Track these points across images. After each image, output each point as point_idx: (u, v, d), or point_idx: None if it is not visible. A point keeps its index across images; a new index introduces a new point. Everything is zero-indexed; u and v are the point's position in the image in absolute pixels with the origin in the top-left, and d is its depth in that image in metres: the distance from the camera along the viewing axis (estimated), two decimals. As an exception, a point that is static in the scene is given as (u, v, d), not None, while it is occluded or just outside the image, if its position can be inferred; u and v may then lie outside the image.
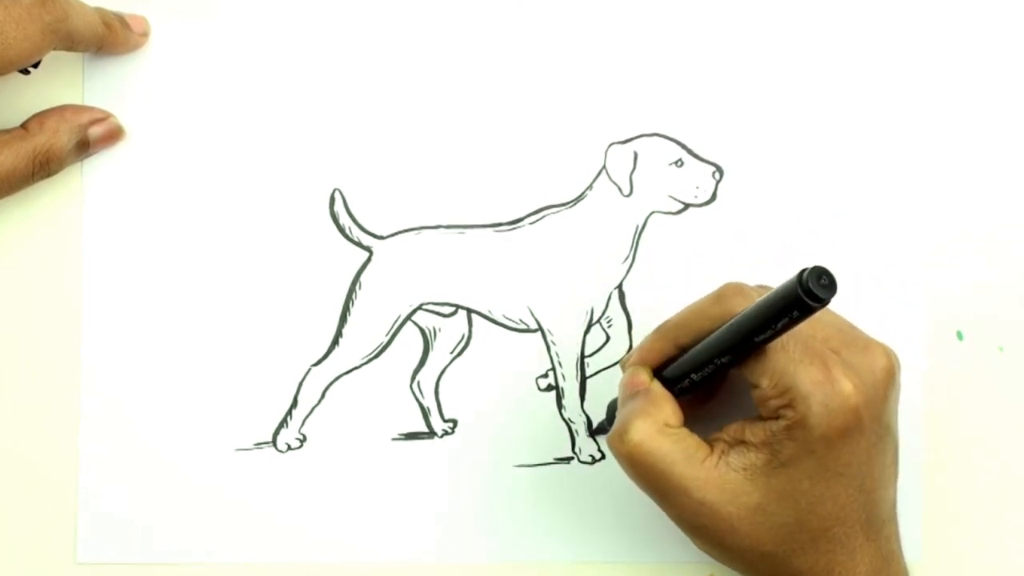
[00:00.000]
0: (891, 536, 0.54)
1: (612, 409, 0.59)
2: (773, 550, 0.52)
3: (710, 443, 0.53)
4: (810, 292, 0.47)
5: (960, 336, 0.61)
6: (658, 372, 0.55)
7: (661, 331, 0.55)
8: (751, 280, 0.55)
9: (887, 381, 0.53)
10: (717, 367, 0.53)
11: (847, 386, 0.51)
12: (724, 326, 0.52)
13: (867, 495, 0.52)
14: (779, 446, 0.51)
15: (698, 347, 0.53)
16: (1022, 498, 0.61)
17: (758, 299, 0.51)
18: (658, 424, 0.53)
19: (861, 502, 0.52)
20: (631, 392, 0.55)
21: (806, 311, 0.48)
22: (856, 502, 0.52)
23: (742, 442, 0.52)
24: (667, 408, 0.54)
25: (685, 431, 0.53)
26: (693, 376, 0.54)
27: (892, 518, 0.54)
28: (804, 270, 0.47)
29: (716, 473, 0.52)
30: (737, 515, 0.52)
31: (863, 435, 0.51)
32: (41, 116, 0.59)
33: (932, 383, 0.60)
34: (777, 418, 0.51)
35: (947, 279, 0.61)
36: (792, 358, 0.51)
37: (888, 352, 0.53)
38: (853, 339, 0.53)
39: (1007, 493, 0.61)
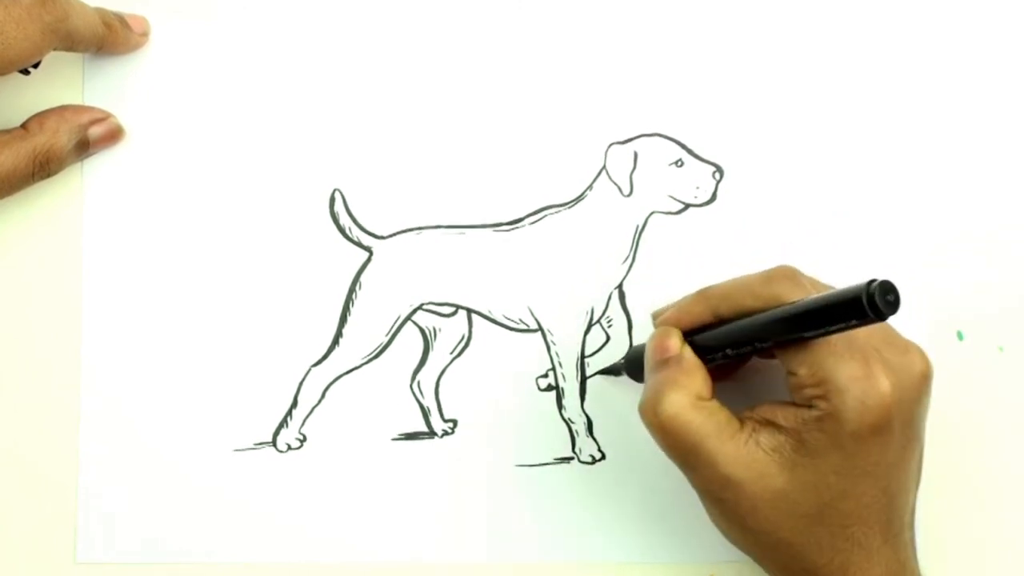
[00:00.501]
0: (907, 543, 0.54)
1: (633, 355, 0.59)
2: (790, 539, 0.52)
3: (740, 420, 0.53)
4: (875, 305, 0.46)
5: (960, 336, 0.61)
6: (688, 335, 0.55)
7: (703, 296, 0.55)
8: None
9: (922, 385, 0.52)
10: (756, 349, 0.52)
11: (885, 384, 0.50)
12: (773, 312, 0.52)
13: (890, 498, 0.52)
14: (808, 435, 0.51)
15: (740, 324, 0.53)
16: (1022, 498, 0.61)
17: (813, 295, 0.51)
18: (691, 397, 0.52)
19: (883, 504, 0.52)
20: (661, 356, 0.54)
21: (865, 322, 0.47)
22: (879, 503, 0.52)
23: (771, 423, 0.52)
24: (699, 379, 0.53)
25: (717, 404, 0.53)
26: (728, 351, 0.53)
27: (910, 525, 0.54)
28: (872, 282, 0.47)
29: (745, 450, 0.52)
30: (760, 496, 0.51)
31: (893, 436, 0.51)
32: (41, 116, 0.59)
33: (932, 383, 0.60)
34: (810, 407, 0.51)
35: (947, 279, 0.61)
36: (834, 350, 0.51)
37: (926, 357, 0.53)
38: (893, 339, 0.53)
39: (1007, 493, 0.61)
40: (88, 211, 0.61)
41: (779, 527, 0.52)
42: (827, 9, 0.62)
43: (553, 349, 0.61)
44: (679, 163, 0.61)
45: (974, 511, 0.61)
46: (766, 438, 0.52)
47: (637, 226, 0.61)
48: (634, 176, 0.61)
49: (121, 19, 0.60)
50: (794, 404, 0.52)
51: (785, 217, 0.61)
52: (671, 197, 0.61)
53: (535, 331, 0.61)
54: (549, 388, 0.61)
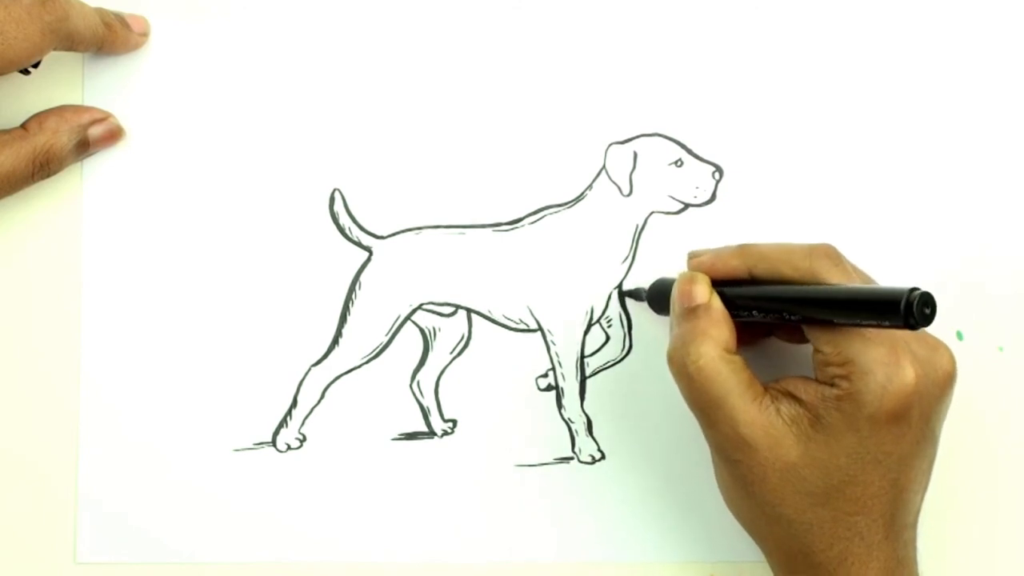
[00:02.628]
0: (909, 542, 0.54)
1: (658, 286, 0.59)
2: (792, 516, 0.52)
3: (763, 387, 0.53)
4: (911, 313, 0.47)
5: (960, 336, 0.61)
6: (718, 285, 0.55)
7: (744, 252, 0.55)
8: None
9: (946, 384, 0.53)
10: (784, 319, 0.53)
11: (910, 373, 0.50)
12: (808, 290, 0.52)
13: (898, 492, 0.52)
14: (825, 412, 0.51)
15: (774, 290, 0.53)
16: (1022, 498, 0.61)
17: (852, 282, 0.51)
18: (720, 349, 0.52)
19: (891, 497, 0.52)
20: (689, 304, 0.54)
21: (897, 326, 0.48)
22: (887, 495, 0.52)
23: (792, 395, 0.52)
24: (727, 331, 0.53)
25: (742, 361, 0.53)
26: (755, 314, 0.54)
27: (914, 525, 0.54)
28: (915, 291, 0.47)
29: (765, 415, 0.52)
30: (772, 465, 0.51)
31: (910, 428, 0.51)
32: (41, 116, 0.59)
33: (955, 386, 0.60)
34: (832, 385, 0.51)
35: (947, 279, 0.61)
36: (863, 333, 0.51)
37: (953, 358, 0.53)
38: (923, 335, 0.53)
39: (1007, 493, 0.61)
40: (88, 211, 0.61)
41: (784, 501, 0.52)
42: (826, 10, 0.62)
43: (553, 349, 0.61)
44: (679, 163, 0.61)
45: (974, 511, 0.61)
46: (786, 407, 0.52)
47: (637, 226, 0.61)
48: (634, 176, 0.61)
49: (121, 19, 0.60)
50: (816, 380, 0.52)
51: (785, 217, 0.61)
52: (671, 197, 0.61)
53: (535, 331, 0.61)
54: (549, 388, 0.61)
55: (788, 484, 0.51)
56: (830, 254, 0.53)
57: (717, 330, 0.53)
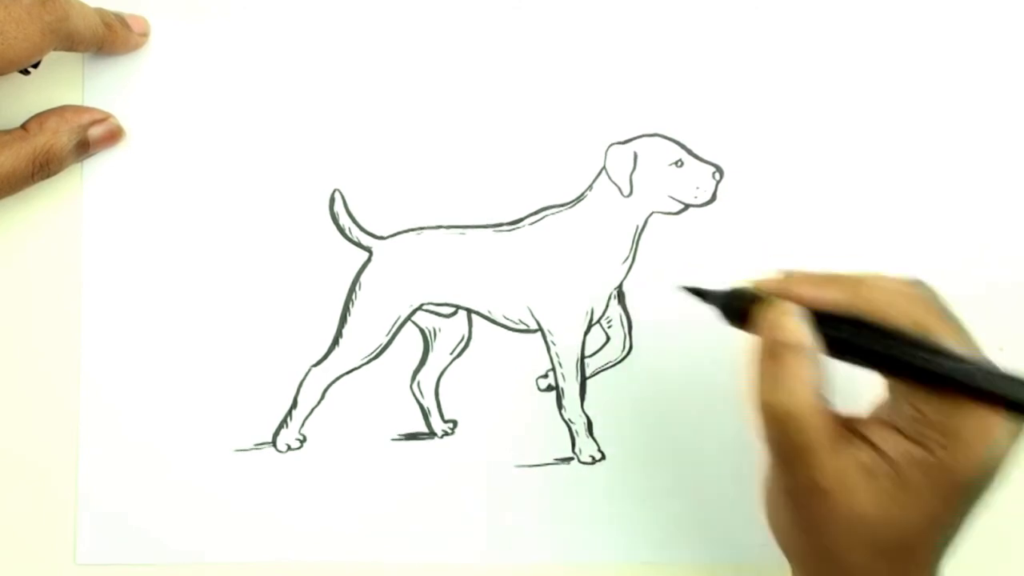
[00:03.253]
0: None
1: (733, 294, 0.52)
2: (850, 562, 0.49)
3: (844, 424, 0.49)
4: None
5: (960, 336, 0.61)
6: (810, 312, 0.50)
7: (846, 287, 0.49)
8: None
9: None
10: (887, 375, 0.49)
11: (1004, 447, 0.48)
12: (927, 356, 0.48)
13: (946, 542, 0.49)
14: (909, 472, 0.48)
15: (886, 347, 0.48)
16: (1022, 499, 0.61)
17: (977, 358, 0.48)
18: (812, 395, 0.48)
19: (940, 553, 0.49)
20: (783, 338, 0.49)
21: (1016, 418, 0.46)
22: (940, 550, 0.49)
23: (870, 443, 0.49)
24: (821, 375, 0.49)
25: (830, 409, 0.49)
26: (854, 358, 0.49)
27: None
28: None
29: (840, 462, 0.48)
30: (840, 511, 0.48)
31: (981, 498, 0.49)
32: (41, 116, 0.59)
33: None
34: (922, 445, 0.48)
35: (947, 278, 0.61)
36: (964, 399, 0.48)
37: None
38: None
39: (1007, 493, 0.61)
40: (88, 211, 0.61)
41: (838, 544, 0.49)
42: (826, 10, 0.62)
43: (553, 349, 0.61)
44: (679, 163, 0.61)
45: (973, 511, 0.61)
46: (866, 455, 0.48)
47: (637, 226, 0.61)
48: (634, 176, 0.61)
49: (121, 19, 0.60)
50: (902, 434, 0.48)
51: (785, 217, 0.61)
52: (671, 197, 0.61)
53: (535, 331, 0.61)
54: (549, 388, 0.61)
55: (854, 534, 0.48)
56: (931, 300, 0.49)
57: (809, 372, 0.48)
